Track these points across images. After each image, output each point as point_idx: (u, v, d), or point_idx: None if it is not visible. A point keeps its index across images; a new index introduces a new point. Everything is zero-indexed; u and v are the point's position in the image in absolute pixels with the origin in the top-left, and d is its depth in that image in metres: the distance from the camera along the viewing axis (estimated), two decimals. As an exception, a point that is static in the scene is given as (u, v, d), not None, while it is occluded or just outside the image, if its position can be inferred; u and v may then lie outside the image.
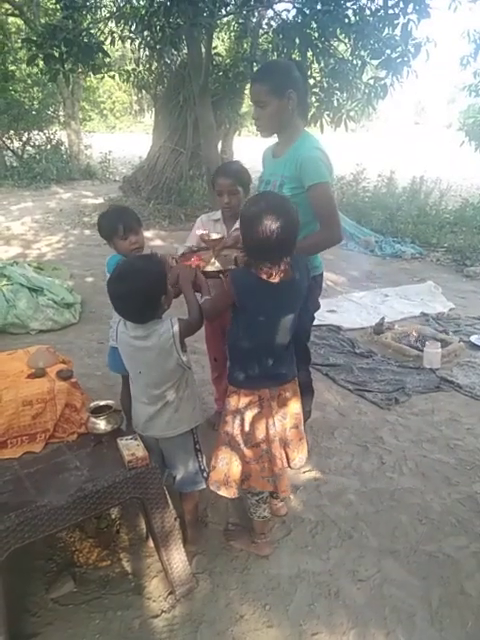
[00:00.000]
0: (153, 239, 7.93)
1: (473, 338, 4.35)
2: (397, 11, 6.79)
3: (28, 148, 14.72)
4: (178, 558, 1.92)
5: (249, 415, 1.95)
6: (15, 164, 14.27)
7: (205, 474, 2.08)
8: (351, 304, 5.17)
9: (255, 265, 1.85)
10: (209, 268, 2.19)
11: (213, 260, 2.23)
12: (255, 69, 9.28)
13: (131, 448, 1.80)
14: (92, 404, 1.97)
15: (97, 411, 1.93)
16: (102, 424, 1.89)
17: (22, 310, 4.36)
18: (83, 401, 2.06)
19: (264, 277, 1.83)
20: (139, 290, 1.77)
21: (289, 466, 2.08)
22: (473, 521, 2.38)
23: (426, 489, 2.59)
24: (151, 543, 2.12)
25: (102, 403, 1.98)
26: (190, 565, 2.01)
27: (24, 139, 14.69)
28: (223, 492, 2.02)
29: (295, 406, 2.04)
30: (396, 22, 6.90)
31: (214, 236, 2.27)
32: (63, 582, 1.97)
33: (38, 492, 1.66)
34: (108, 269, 2.45)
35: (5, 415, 1.84)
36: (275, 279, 1.83)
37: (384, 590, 2.02)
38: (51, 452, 1.88)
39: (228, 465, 1.99)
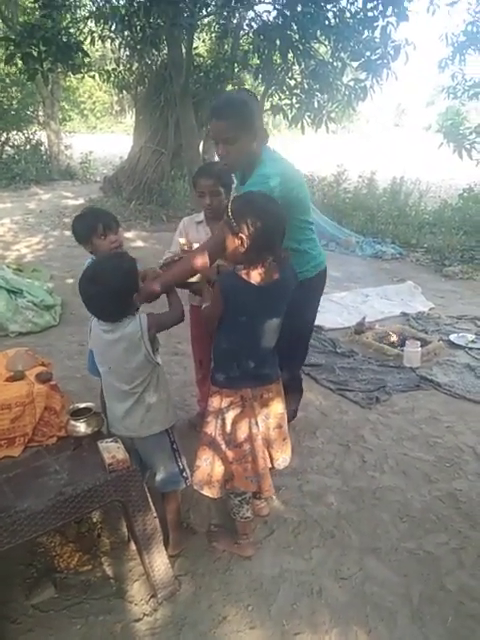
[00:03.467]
0: (134, 240, 7.88)
1: (452, 337, 4.41)
2: (376, 14, 6.86)
3: (7, 148, 14.50)
4: (160, 561, 1.91)
5: (231, 415, 1.95)
6: (-7, 164, 14.07)
7: (185, 474, 2.08)
8: (332, 304, 5.20)
9: (238, 266, 1.85)
10: (193, 279, 2.18)
11: None
12: (236, 70, 9.32)
13: (111, 451, 1.79)
14: (72, 407, 1.95)
15: (77, 414, 1.90)
16: (82, 427, 1.87)
17: (1, 312, 4.30)
18: (63, 404, 2.04)
19: (245, 278, 1.83)
20: (111, 290, 1.78)
21: (273, 466, 2.08)
22: (453, 518, 2.41)
23: (407, 487, 2.62)
24: (133, 546, 2.11)
25: (82, 406, 1.95)
26: (172, 567, 2.00)
27: (2, 139, 14.45)
28: (206, 492, 2.02)
29: (278, 406, 2.04)
30: (375, 24, 6.97)
31: (196, 245, 2.27)
32: (43, 588, 1.95)
33: (17, 497, 1.64)
34: None
35: (-18, 419, 1.81)
36: (257, 280, 1.83)
37: (366, 588, 2.03)
38: (30, 456, 1.86)
39: (211, 465, 1.99)
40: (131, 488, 1.79)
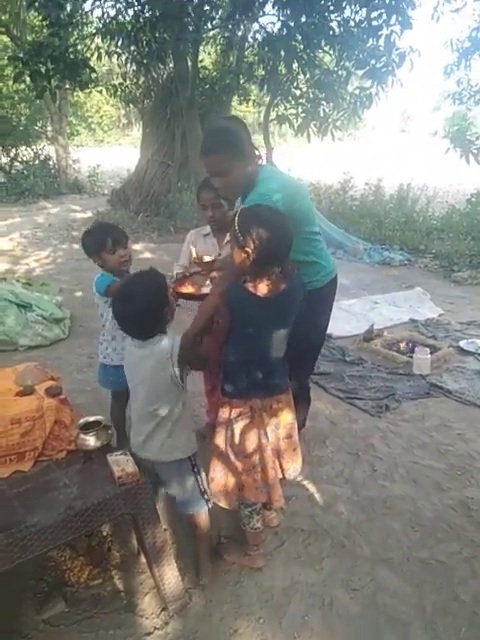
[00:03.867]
0: (143, 251, 7.94)
1: (462, 343, 4.38)
2: (380, 22, 6.91)
3: (16, 164, 14.74)
4: (170, 574, 1.91)
5: (240, 426, 1.96)
6: (3, 180, 14.28)
7: (206, 496, 2.04)
8: (341, 312, 5.19)
9: (244, 278, 1.87)
10: (204, 290, 2.24)
11: (208, 283, 2.26)
12: (241, 82, 9.39)
13: (121, 464, 1.80)
14: (81, 420, 1.96)
15: (86, 427, 1.92)
16: (91, 440, 1.89)
17: (10, 326, 4.34)
18: (72, 417, 2.06)
19: (251, 290, 1.84)
20: (142, 308, 1.79)
21: (283, 477, 2.08)
22: (465, 527, 2.38)
23: (418, 496, 2.60)
24: (143, 559, 2.11)
25: (91, 419, 1.97)
26: (182, 580, 2.00)
27: (12, 155, 14.70)
28: (222, 503, 2.02)
29: (288, 416, 2.04)
30: (380, 33, 7.02)
31: (207, 258, 2.30)
32: (54, 602, 1.96)
33: (27, 511, 1.65)
34: (97, 289, 2.46)
35: (-7, 434, 1.84)
36: (264, 292, 1.84)
37: (378, 599, 2.02)
38: (40, 470, 1.88)
39: (225, 476, 1.99)
40: (141, 501, 1.80)
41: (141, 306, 1.78)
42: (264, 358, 1.95)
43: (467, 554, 2.23)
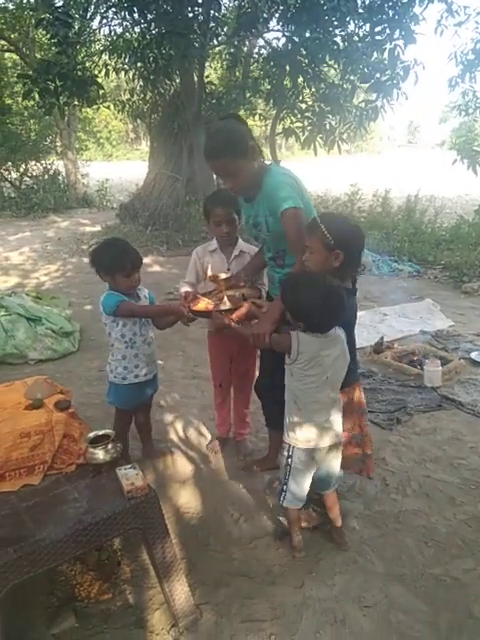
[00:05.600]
0: (151, 265, 7.98)
1: (473, 355, 4.34)
2: (384, 37, 6.96)
3: (26, 179, 14.93)
4: (180, 589, 1.89)
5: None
6: (13, 195, 14.47)
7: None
8: (350, 324, 5.17)
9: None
10: (222, 307, 2.30)
11: (225, 300, 2.30)
12: (247, 96, 9.49)
13: (130, 477, 1.79)
14: (91, 434, 1.95)
15: (95, 441, 1.91)
16: (100, 454, 1.88)
17: (21, 340, 4.37)
18: (82, 431, 2.05)
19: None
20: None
21: None
22: (479, 542, 2.34)
23: (431, 510, 2.56)
24: (153, 573, 2.09)
25: (101, 433, 1.96)
26: (193, 596, 1.98)
27: (22, 170, 14.90)
28: None
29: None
30: (383, 47, 7.07)
31: (222, 276, 2.33)
32: (64, 617, 1.94)
33: (37, 526, 1.64)
34: (104, 309, 2.48)
35: (2, 448, 1.83)
36: (350, 287, 2.14)
37: (391, 616, 1.98)
38: (49, 484, 1.87)
39: None
40: (150, 515, 1.79)
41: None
42: (352, 349, 2.18)
43: (482, 570, 2.18)
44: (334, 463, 2.21)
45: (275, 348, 2.10)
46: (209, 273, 2.48)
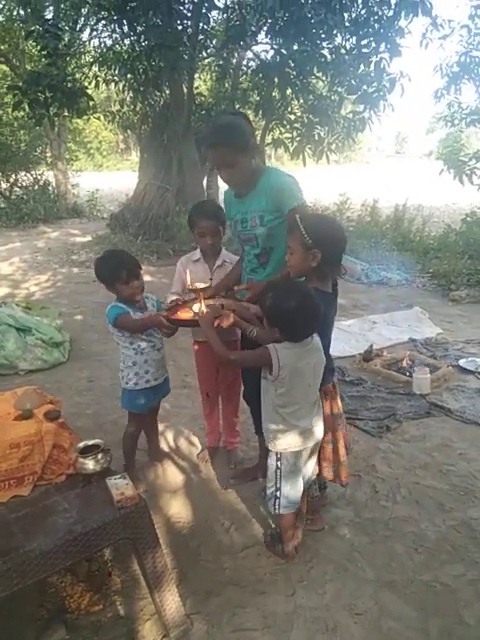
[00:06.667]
0: (142, 275, 7.97)
1: (462, 362, 4.38)
2: (370, 50, 7.07)
3: (16, 189, 14.92)
4: (171, 599, 1.89)
5: None
6: (3, 205, 14.42)
7: None
8: (339, 332, 5.21)
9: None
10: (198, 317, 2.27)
11: (202, 309, 2.29)
12: (236, 107, 9.57)
13: (120, 487, 1.79)
14: (80, 444, 1.95)
15: (85, 451, 1.91)
16: (90, 464, 1.88)
17: (10, 351, 4.35)
18: (71, 441, 2.05)
19: (321, 288, 2.07)
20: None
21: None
22: (469, 548, 2.36)
23: (420, 517, 2.57)
24: (144, 584, 2.08)
25: (91, 443, 1.96)
26: (184, 606, 1.97)
27: (12, 180, 14.89)
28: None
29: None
30: (370, 60, 7.18)
31: (199, 285, 2.34)
32: (54, 629, 1.92)
33: (26, 537, 1.64)
34: (109, 320, 2.51)
35: (-8, 459, 1.83)
36: (329, 290, 2.13)
37: (382, 623, 1.98)
38: (39, 495, 1.86)
39: None
40: (140, 525, 1.79)
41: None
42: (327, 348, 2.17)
43: (472, 576, 2.20)
44: (311, 464, 2.24)
45: (260, 342, 2.06)
46: (188, 282, 2.49)
